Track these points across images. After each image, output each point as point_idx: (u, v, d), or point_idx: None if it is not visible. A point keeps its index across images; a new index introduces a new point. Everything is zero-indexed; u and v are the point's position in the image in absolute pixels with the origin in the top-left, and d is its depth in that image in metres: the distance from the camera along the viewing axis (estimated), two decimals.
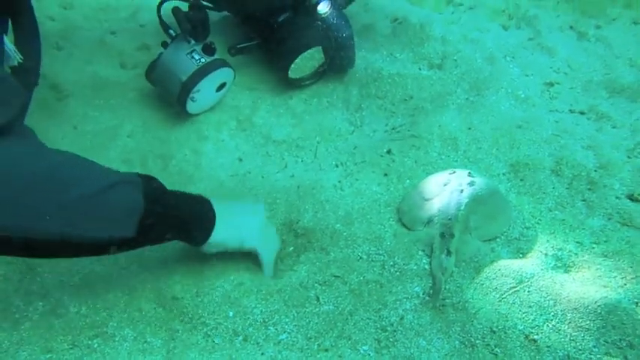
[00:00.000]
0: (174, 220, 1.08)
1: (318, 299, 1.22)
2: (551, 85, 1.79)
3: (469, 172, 1.42)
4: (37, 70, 1.25)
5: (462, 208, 1.31)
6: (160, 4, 1.67)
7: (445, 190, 1.38)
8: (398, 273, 1.26)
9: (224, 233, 1.17)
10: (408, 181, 1.50)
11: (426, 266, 1.26)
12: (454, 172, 1.42)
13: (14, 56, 1.15)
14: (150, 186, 1.04)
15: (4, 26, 1.16)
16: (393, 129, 1.73)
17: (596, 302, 1.10)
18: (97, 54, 1.82)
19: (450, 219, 1.30)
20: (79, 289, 1.19)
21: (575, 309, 1.11)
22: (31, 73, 1.23)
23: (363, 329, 1.16)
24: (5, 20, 1.16)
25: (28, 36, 1.23)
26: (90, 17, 1.94)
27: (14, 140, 0.90)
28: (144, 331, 1.13)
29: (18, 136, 0.92)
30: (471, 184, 1.37)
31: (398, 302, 1.20)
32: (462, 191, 1.36)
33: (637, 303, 1.09)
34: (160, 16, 1.65)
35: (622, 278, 1.16)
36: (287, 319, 1.18)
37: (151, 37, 1.90)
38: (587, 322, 1.08)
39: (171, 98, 1.66)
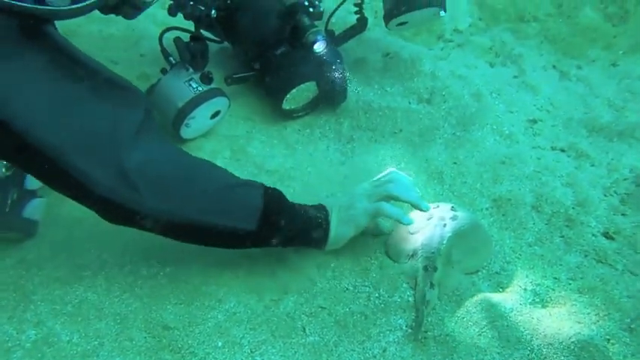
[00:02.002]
0: (293, 222, 1.24)
1: (304, 330, 1.26)
2: (535, 122, 1.86)
3: (452, 207, 1.47)
4: None
5: (445, 242, 1.37)
6: (162, 33, 1.74)
7: (429, 223, 1.43)
8: (382, 305, 1.30)
9: (339, 228, 1.30)
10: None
11: (410, 299, 1.31)
12: (438, 206, 1.48)
13: None
14: (271, 191, 1.24)
15: None
16: (383, 161, 1.79)
17: (570, 338, 1.15)
18: None
19: (433, 252, 1.35)
20: (72, 318, 1.22)
21: (551, 344, 1.16)
22: None
23: None
24: None
25: None
26: (92, 46, 2.00)
27: (157, 136, 1.13)
28: None
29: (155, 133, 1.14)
30: (454, 218, 1.43)
31: (381, 334, 1.24)
32: (444, 225, 1.41)
33: (608, 340, 1.15)
34: (161, 44, 1.72)
35: (595, 315, 1.21)
36: (274, 350, 1.22)
37: (150, 66, 1.96)
38: (562, 358, 1.13)
39: (166, 122, 1.71)
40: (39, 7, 1.04)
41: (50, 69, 1.02)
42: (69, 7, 1.09)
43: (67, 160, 1.00)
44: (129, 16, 1.43)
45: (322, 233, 1.29)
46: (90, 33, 2.07)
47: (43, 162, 1.00)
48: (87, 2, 1.11)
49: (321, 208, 1.32)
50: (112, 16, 2.15)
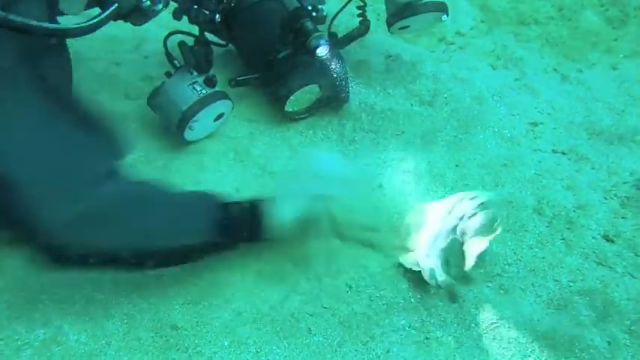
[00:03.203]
0: (240, 224, 1.25)
1: (309, 330, 1.28)
2: (536, 125, 1.88)
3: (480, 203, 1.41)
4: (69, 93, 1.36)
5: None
6: (167, 36, 1.75)
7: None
8: (385, 306, 1.32)
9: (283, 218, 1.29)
10: (397, 215, 1.57)
11: (412, 300, 1.33)
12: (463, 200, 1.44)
13: None
14: (216, 198, 1.24)
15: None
16: (385, 163, 1.81)
17: (571, 340, 1.17)
18: (102, 85, 1.89)
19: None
20: (80, 317, 1.24)
21: (552, 346, 1.18)
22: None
23: None
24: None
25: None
26: (96, 49, 2.02)
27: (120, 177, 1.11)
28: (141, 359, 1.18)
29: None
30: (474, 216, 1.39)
31: (385, 335, 1.26)
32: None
33: (609, 342, 1.17)
34: (166, 48, 1.73)
35: (596, 317, 1.23)
36: (278, 350, 1.24)
37: (154, 68, 1.97)
38: None
39: (169, 124, 1.73)
40: (50, 26, 1.06)
41: (33, 105, 1.02)
42: (83, 25, 1.11)
43: (26, 192, 0.97)
44: (138, 23, 1.45)
45: (263, 228, 1.29)
46: (94, 35, 2.06)
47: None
48: (103, 15, 1.14)
49: (259, 202, 1.31)
50: None
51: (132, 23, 1.45)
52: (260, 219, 1.27)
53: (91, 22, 1.12)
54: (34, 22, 1.03)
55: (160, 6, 1.40)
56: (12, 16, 0.99)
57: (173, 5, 1.65)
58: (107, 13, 1.15)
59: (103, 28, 2.16)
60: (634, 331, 1.20)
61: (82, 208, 0.98)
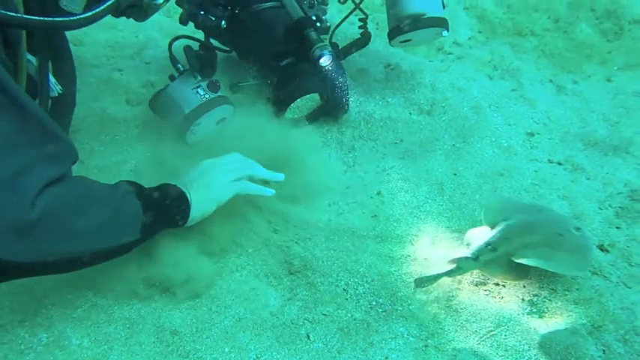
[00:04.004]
0: (163, 214, 1.24)
1: (308, 337, 1.29)
2: (532, 135, 1.91)
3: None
4: (73, 96, 1.38)
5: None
6: (172, 41, 1.78)
7: None
8: (384, 313, 1.34)
9: (200, 206, 1.31)
10: (395, 223, 1.59)
11: (411, 307, 1.35)
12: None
13: (55, 88, 1.25)
14: (140, 191, 1.22)
15: (48, 63, 1.25)
16: (384, 171, 1.83)
17: (566, 348, 1.19)
18: (105, 90, 1.91)
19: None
20: (82, 322, 1.25)
21: (548, 354, 1.20)
22: (69, 100, 1.37)
23: None
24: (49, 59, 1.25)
25: (65, 66, 1.35)
26: (98, 54, 2.04)
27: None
28: None
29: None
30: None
31: (384, 342, 1.27)
32: None
33: (604, 351, 1.19)
34: (170, 52, 1.76)
35: (591, 326, 1.25)
36: (279, 356, 1.25)
37: (155, 74, 2.00)
38: None
39: (171, 127, 1.75)
40: (48, 19, 1.05)
41: None
42: (81, 16, 1.10)
43: None
44: (139, 19, 1.46)
45: (185, 214, 1.29)
46: (96, 41, 2.10)
47: None
48: (100, 8, 1.13)
49: (175, 187, 1.31)
50: (118, 24, 2.20)
51: (134, 19, 1.45)
52: (187, 212, 1.29)
53: (88, 14, 1.11)
54: (34, 17, 1.02)
55: (161, 0, 1.40)
56: (9, 13, 0.99)
57: (173, 9, 1.68)
58: (106, 5, 1.14)
59: (105, 35, 2.19)
60: (628, 340, 1.22)
61: (16, 221, 0.93)
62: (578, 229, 1.41)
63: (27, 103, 0.99)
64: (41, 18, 1.05)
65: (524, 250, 1.36)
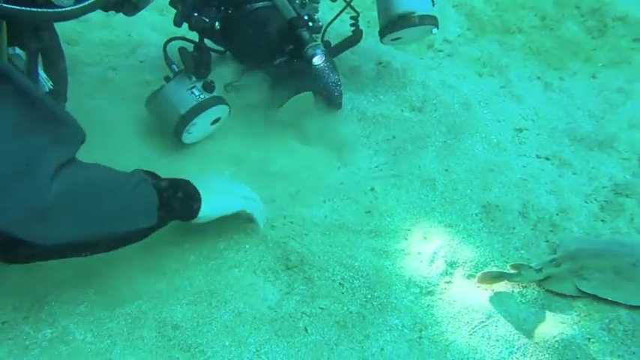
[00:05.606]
0: (176, 203, 1.28)
1: (306, 330, 1.33)
2: (521, 131, 1.96)
3: None
4: (65, 92, 1.39)
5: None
6: (167, 42, 1.79)
7: None
8: (379, 306, 1.38)
9: (211, 203, 1.35)
10: (388, 219, 1.63)
11: (405, 300, 1.39)
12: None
13: (46, 84, 1.26)
14: (156, 180, 1.27)
15: (37, 57, 1.25)
16: (377, 167, 1.87)
17: (554, 337, 1.24)
18: (99, 89, 1.92)
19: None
20: (85, 317, 1.28)
21: (536, 343, 1.25)
22: (61, 96, 1.37)
23: (346, 358, 1.27)
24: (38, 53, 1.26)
25: (55, 61, 1.35)
26: (92, 53, 2.05)
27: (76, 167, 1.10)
28: (145, 358, 1.22)
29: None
30: None
31: (379, 334, 1.31)
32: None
33: (589, 339, 1.24)
34: (165, 52, 1.77)
35: (577, 315, 1.31)
36: (277, 349, 1.28)
37: (149, 73, 2.01)
38: (546, 356, 1.22)
39: (167, 128, 1.77)
40: (41, 10, 1.05)
41: None
42: (72, 8, 1.11)
43: None
44: (129, 13, 1.47)
45: (195, 208, 1.33)
46: (90, 40, 2.11)
47: None
48: (91, 0, 1.14)
49: (187, 181, 1.35)
50: (112, 23, 2.20)
51: (124, 13, 1.46)
52: (198, 204, 1.32)
53: (78, 6, 1.11)
54: (22, 8, 1.02)
55: None
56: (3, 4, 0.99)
57: (167, 7, 1.68)
58: None
59: (99, 34, 2.19)
60: (612, 329, 1.27)
61: (35, 205, 0.97)
62: None
63: (31, 89, 1.02)
64: (31, 9, 1.05)
65: (587, 272, 1.37)
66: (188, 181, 1.34)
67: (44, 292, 1.30)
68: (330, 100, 1.91)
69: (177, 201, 1.28)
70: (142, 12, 1.46)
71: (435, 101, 2.05)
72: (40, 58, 1.28)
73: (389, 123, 2.00)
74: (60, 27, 1.38)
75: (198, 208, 1.32)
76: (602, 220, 1.58)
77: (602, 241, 1.50)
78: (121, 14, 1.45)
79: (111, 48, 2.10)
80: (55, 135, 1.04)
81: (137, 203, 1.18)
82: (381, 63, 2.23)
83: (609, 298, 1.32)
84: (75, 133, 1.11)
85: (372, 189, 1.73)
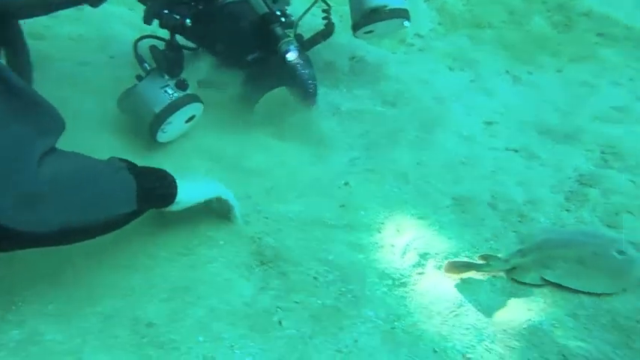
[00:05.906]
0: (154, 189, 1.29)
1: (280, 324, 1.34)
2: (490, 124, 2.01)
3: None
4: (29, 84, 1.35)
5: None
6: (137, 40, 1.76)
7: None
8: (353, 298, 1.40)
9: (188, 189, 1.38)
10: (362, 212, 1.65)
11: (378, 292, 1.41)
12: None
13: None
14: (133, 167, 1.27)
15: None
16: (351, 161, 1.89)
17: (521, 324, 1.28)
18: (68, 85, 1.88)
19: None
20: (55, 317, 1.25)
21: (505, 330, 1.29)
22: None
23: (321, 351, 1.28)
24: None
25: (20, 56, 1.34)
26: (61, 48, 2.00)
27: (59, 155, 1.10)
28: (118, 356, 1.21)
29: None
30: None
31: (353, 326, 1.33)
32: None
33: (554, 325, 1.29)
34: (136, 51, 1.74)
35: (544, 303, 1.35)
36: (252, 344, 1.29)
37: (120, 68, 1.98)
38: (514, 342, 1.26)
39: (141, 127, 1.74)
40: None
41: None
42: None
43: None
44: (94, 4, 1.46)
45: (172, 192, 1.34)
46: (58, 35, 2.06)
47: None
48: None
49: (166, 171, 1.37)
50: (81, 17, 2.16)
51: (90, 5, 1.46)
52: (175, 190, 1.34)
53: None
54: None
55: None
56: None
57: (136, 3, 1.65)
58: None
59: (68, 28, 2.14)
60: (577, 315, 1.32)
61: (24, 192, 0.98)
62: (621, 252, 1.41)
63: (11, 78, 1.02)
64: None
65: (553, 262, 1.41)
66: (164, 169, 1.35)
67: (8, 292, 1.27)
68: (305, 95, 1.91)
69: (155, 186, 1.30)
70: (113, 7, 1.45)
71: (407, 96, 2.09)
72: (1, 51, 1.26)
73: (363, 118, 2.02)
74: (28, 21, 1.36)
75: (175, 194, 1.33)
76: (567, 210, 1.63)
77: (568, 231, 1.55)
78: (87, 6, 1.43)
79: (80, 43, 2.06)
80: (38, 124, 1.05)
81: (117, 189, 1.21)
82: (354, 58, 2.25)
83: (572, 287, 1.36)
84: (56, 122, 1.12)
85: (347, 183, 1.75)
